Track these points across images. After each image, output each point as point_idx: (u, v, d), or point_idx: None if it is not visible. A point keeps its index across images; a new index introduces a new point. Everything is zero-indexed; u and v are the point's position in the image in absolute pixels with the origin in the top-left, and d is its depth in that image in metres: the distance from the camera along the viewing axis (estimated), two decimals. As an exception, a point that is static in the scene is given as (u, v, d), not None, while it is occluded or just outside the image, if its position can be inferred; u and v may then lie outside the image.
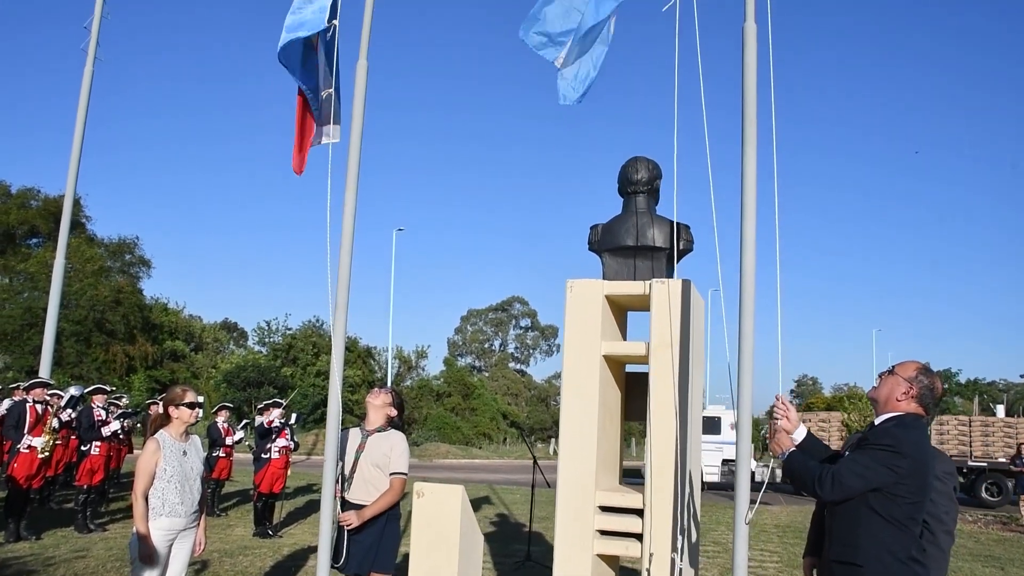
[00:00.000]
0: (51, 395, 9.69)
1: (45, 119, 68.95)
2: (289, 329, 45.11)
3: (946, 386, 57.72)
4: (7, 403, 10.38)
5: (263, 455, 10.60)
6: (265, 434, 10.70)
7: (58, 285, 10.28)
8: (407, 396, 40.56)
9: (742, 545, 4.02)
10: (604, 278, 5.34)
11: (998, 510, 19.26)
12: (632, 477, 6.64)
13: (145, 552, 4.31)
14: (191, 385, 11.92)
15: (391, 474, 4.69)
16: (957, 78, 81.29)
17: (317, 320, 44.15)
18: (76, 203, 9.20)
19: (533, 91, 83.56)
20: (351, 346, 41.02)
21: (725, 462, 21.13)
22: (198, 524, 4.64)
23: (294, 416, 11.77)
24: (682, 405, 4.79)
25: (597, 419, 4.99)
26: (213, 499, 12.02)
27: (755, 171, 4.21)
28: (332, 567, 4.65)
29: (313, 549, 8.80)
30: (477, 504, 13.98)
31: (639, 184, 5.40)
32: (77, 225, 35.19)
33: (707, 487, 20.40)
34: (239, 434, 12.90)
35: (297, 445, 11.44)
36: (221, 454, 12.15)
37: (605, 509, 4.96)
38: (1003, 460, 20.04)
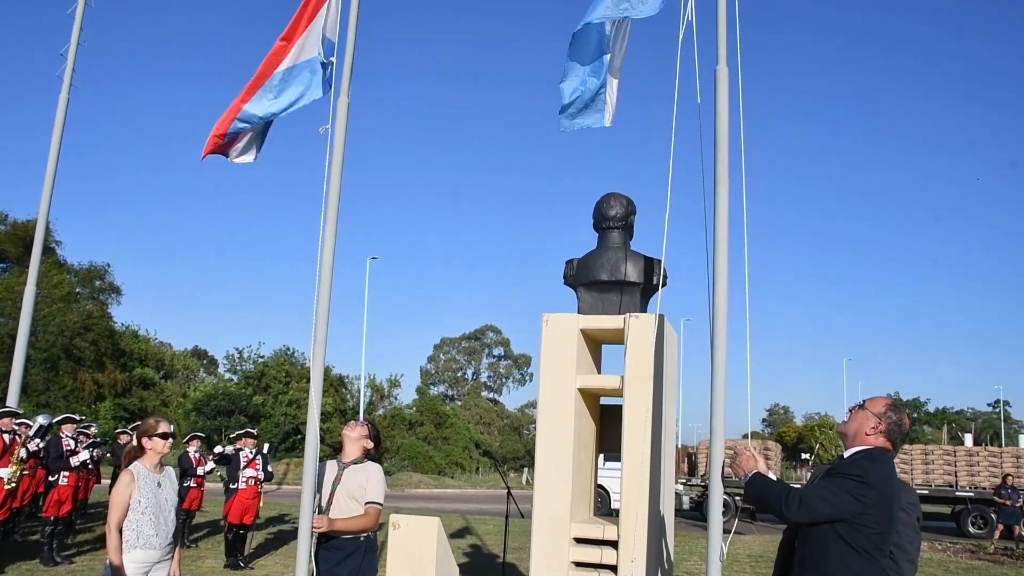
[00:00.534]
0: (19, 424, 9.53)
1: (13, 144, 68.30)
2: (261, 357, 44.69)
3: (915, 415, 58.50)
4: (-28, 433, 10.18)
5: (232, 484, 10.49)
6: (228, 461, 10.65)
7: (28, 311, 10.14)
8: (380, 425, 40.23)
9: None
10: (579, 312, 5.43)
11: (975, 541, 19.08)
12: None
13: (118, 585, 4.27)
14: (163, 415, 11.80)
15: (366, 503, 4.70)
16: (932, 101, 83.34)
17: (288, 349, 43.82)
18: (46, 228, 9.07)
19: (508, 117, 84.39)
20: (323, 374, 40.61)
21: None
22: (172, 556, 4.61)
23: (267, 446, 11.67)
24: (655, 437, 4.87)
25: (572, 451, 5.06)
26: (184, 530, 11.82)
27: (727, 212, 4.35)
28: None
29: (285, 581, 8.71)
30: (451, 535, 13.89)
31: (614, 220, 5.52)
32: (47, 250, 34.71)
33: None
34: (210, 464, 12.75)
35: (271, 475, 11.32)
36: (192, 484, 11.99)
37: (580, 541, 5.01)
38: (987, 489, 19.75)
